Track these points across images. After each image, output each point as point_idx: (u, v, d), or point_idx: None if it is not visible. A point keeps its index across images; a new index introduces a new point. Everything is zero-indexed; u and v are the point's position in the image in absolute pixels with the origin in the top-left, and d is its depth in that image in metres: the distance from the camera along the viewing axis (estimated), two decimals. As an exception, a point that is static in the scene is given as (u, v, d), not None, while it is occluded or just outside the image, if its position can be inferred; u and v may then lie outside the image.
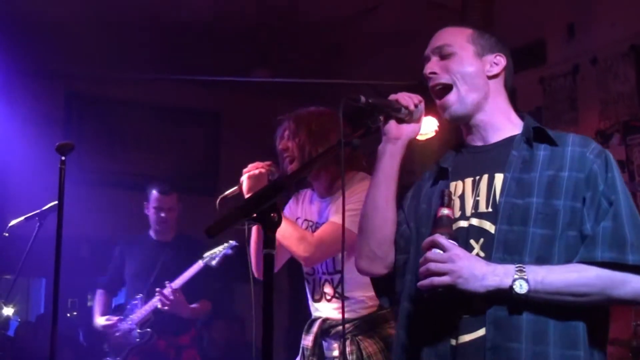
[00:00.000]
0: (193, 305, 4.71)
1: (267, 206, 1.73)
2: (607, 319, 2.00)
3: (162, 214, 4.94)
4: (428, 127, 2.54)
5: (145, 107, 7.41)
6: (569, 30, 5.31)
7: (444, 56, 2.12)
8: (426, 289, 1.91)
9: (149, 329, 4.69)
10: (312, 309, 3.27)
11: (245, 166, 3.27)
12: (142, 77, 6.77)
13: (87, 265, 6.96)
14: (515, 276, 1.86)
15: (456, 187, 2.09)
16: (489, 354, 1.88)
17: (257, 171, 3.19)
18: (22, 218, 4.00)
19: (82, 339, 7.35)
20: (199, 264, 4.54)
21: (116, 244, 5.22)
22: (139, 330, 4.72)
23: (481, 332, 1.91)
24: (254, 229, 3.18)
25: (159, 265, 4.77)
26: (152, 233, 5.00)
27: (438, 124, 2.51)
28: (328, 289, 3.19)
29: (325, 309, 3.19)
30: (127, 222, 6.79)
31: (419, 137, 2.28)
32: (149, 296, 4.71)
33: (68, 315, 7.81)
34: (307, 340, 3.19)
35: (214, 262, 4.50)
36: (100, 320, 4.91)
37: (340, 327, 3.09)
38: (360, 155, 3.19)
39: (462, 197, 2.06)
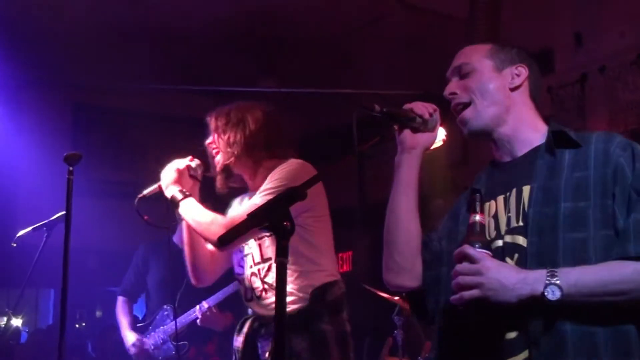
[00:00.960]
0: (228, 319, 4.70)
1: (279, 215, 1.72)
2: None
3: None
4: (437, 137, 2.55)
5: (152, 117, 7.43)
6: (576, 39, 5.31)
7: (463, 75, 2.12)
8: (457, 302, 1.86)
9: (185, 342, 4.67)
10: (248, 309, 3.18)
11: None
12: (149, 87, 6.79)
13: (95, 276, 6.97)
14: (547, 281, 1.79)
15: (489, 207, 2.05)
16: None
17: (175, 166, 3.19)
18: (29, 228, 4.00)
19: (90, 350, 7.36)
20: (235, 284, 4.34)
21: (137, 248, 5.18)
22: (173, 343, 4.66)
23: (524, 354, 1.84)
24: (184, 228, 3.12)
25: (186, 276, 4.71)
26: (176, 239, 4.81)
27: (446, 134, 2.51)
28: (256, 283, 3.06)
29: (256, 307, 3.08)
30: (135, 232, 6.80)
31: None
32: (179, 307, 4.62)
33: (77, 326, 7.83)
34: (238, 342, 3.11)
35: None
36: (130, 337, 4.81)
37: (271, 325, 2.94)
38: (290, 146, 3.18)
39: (495, 217, 2.02)
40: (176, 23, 6.17)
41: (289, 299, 2.93)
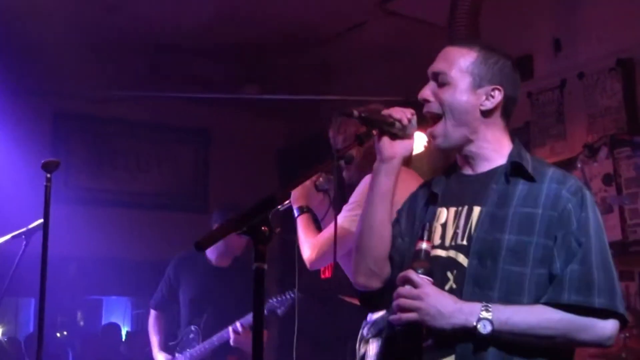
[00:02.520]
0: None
1: (257, 220, 1.72)
2: (571, 358, 2.04)
3: (229, 239, 4.60)
4: (417, 142, 2.56)
5: (133, 125, 7.40)
6: (555, 45, 5.33)
7: (440, 84, 2.12)
8: (396, 322, 1.98)
9: None
10: None
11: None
12: (130, 95, 6.75)
13: (76, 284, 6.93)
14: (481, 316, 1.90)
15: (440, 214, 2.11)
16: None
17: (301, 185, 3.23)
18: (8, 236, 3.96)
19: (70, 357, 7.30)
20: (270, 309, 4.34)
21: (116, 256, 5.13)
22: None
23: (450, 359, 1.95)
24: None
25: (216, 295, 4.62)
26: (209, 255, 4.78)
27: (427, 140, 2.51)
28: None
29: None
30: (116, 239, 6.78)
31: None
32: (204, 328, 4.58)
33: (58, 335, 7.77)
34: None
35: (279, 311, 4.32)
36: (160, 358, 4.76)
37: None
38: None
39: (444, 226, 2.09)
40: (158, 31, 6.15)
41: None
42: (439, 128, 2.10)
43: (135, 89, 6.65)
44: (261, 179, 7.02)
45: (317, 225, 3.28)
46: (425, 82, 2.19)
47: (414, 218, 2.19)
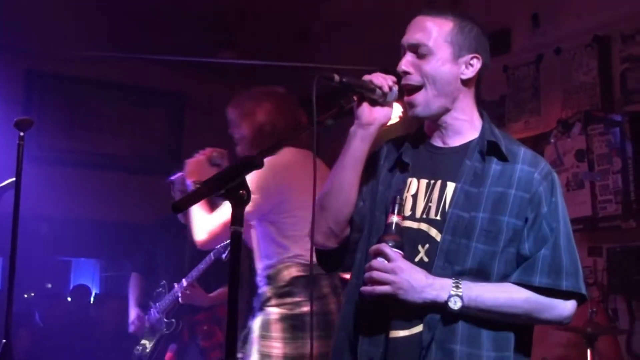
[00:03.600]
0: (212, 295, 4.69)
1: (235, 183, 1.72)
2: (532, 329, 2.15)
3: None
4: (393, 113, 2.57)
5: (107, 86, 7.33)
6: (533, 19, 5.34)
7: (420, 55, 2.12)
8: (368, 294, 2.01)
9: (173, 320, 4.70)
10: None
11: (207, 147, 3.43)
12: (105, 55, 6.68)
13: (46, 244, 6.91)
14: (452, 292, 1.97)
15: (411, 184, 2.13)
16: (425, 351, 1.99)
17: (196, 157, 3.42)
18: (-21, 194, 3.93)
19: (38, 319, 7.29)
20: (210, 257, 4.46)
21: (140, 225, 5.22)
22: (165, 320, 4.72)
23: (417, 329, 2.01)
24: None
25: (187, 252, 4.69)
26: (180, 217, 4.81)
27: (402, 110, 2.52)
28: None
29: None
30: (87, 201, 6.76)
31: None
32: (171, 282, 4.71)
33: (25, 295, 7.74)
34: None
35: (224, 256, 4.41)
36: (131, 314, 4.94)
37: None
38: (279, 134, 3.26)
39: (414, 197, 2.11)
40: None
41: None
42: (419, 97, 2.12)
43: (111, 50, 6.59)
44: (235, 145, 7.02)
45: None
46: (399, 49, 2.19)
47: (376, 182, 2.21)
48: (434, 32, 2.13)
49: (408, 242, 2.04)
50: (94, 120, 7.34)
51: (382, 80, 2.13)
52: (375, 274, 1.98)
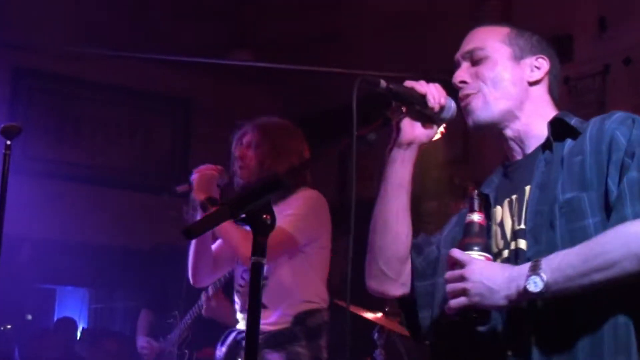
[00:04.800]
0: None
1: (259, 205, 1.72)
2: None
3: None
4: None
5: (104, 88, 7.39)
6: (599, 24, 5.34)
7: (475, 61, 2.15)
8: (449, 313, 1.94)
9: (186, 350, 4.82)
10: (238, 321, 3.63)
11: (217, 161, 3.56)
12: (102, 53, 6.75)
13: (27, 269, 6.93)
14: (529, 273, 1.84)
15: (496, 214, 2.13)
16: None
17: (209, 172, 3.52)
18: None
19: (17, 356, 7.32)
20: (194, 312, 4.68)
21: (137, 251, 5.34)
22: (177, 351, 4.85)
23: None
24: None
25: (190, 320, 4.82)
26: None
27: (445, 126, 2.54)
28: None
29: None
30: (76, 221, 6.79)
31: None
32: (184, 313, 4.81)
33: (1, 328, 7.78)
34: (221, 352, 3.54)
35: (204, 311, 4.56)
36: (140, 341, 5.13)
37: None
38: (306, 168, 3.49)
39: (501, 224, 2.10)
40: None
41: (276, 318, 3.42)
42: (476, 100, 2.12)
43: (109, 47, 6.65)
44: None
45: None
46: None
47: (461, 229, 2.17)
48: (489, 36, 2.17)
49: None
50: (87, 127, 7.39)
51: (437, 95, 2.14)
52: (449, 287, 1.93)
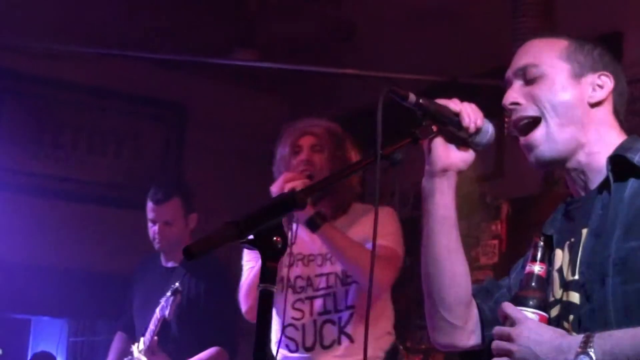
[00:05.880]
0: (197, 357, 4.76)
1: (269, 226, 1.73)
2: None
3: (156, 229, 4.94)
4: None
5: (88, 91, 7.39)
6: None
7: (529, 80, 2.14)
8: None
9: None
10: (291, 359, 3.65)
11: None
12: (86, 52, 6.78)
13: (-2, 297, 6.93)
14: (579, 349, 1.89)
15: (556, 258, 2.14)
16: None
17: (306, 180, 3.48)
18: None
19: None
20: (157, 315, 4.69)
21: (123, 275, 5.40)
22: None
23: None
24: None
25: (156, 324, 4.80)
26: (162, 257, 5.08)
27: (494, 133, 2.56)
28: (330, 332, 3.57)
29: (321, 358, 3.55)
30: (55, 242, 6.78)
31: None
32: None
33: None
34: None
35: (166, 312, 4.62)
36: None
37: None
38: (355, 180, 3.66)
39: (560, 271, 2.12)
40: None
41: (360, 354, 3.44)
42: (539, 133, 2.12)
43: (94, 46, 6.66)
44: (251, 172, 7.04)
45: None
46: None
47: None
48: (545, 50, 2.17)
49: (554, 323, 2.04)
50: (66, 135, 7.39)
51: (473, 112, 2.15)
52: (495, 344, 1.99)
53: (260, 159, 7.60)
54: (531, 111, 2.12)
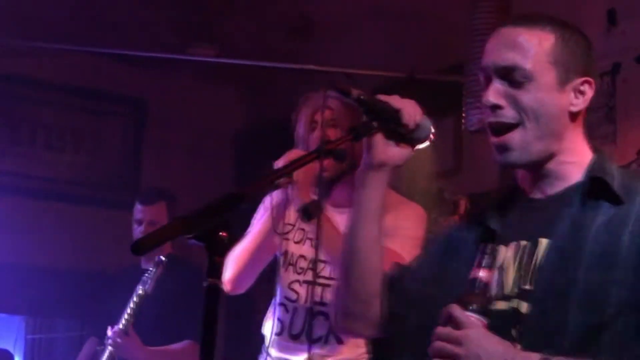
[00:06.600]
0: (152, 348, 4.82)
1: (214, 223, 1.75)
2: None
3: (141, 229, 5.13)
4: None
5: (44, 87, 7.35)
6: (608, 18, 5.38)
7: (514, 83, 2.06)
8: None
9: None
10: (275, 346, 3.50)
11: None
12: (42, 47, 6.73)
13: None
14: None
15: (498, 253, 2.10)
16: None
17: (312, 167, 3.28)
18: None
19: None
20: (138, 291, 4.75)
21: (82, 273, 5.39)
22: None
23: None
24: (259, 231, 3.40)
25: (135, 301, 4.85)
26: (142, 259, 5.15)
27: (434, 130, 2.55)
28: (321, 325, 3.40)
29: (304, 352, 3.37)
30: (11, 239, 6.74)
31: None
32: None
33: None
34: None
35: (147, 287, 4.72)
36: None
37: None
38: None
39: (501, 270, 2.08)
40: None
41: (348, 353, 3.38)
42: (516, 137, 2.04)
43: (51, 41, 6.62)
44: (211, 168, 7.04)
45: None
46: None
47: (452, 258, 2.20)
48: (533, 49, 2.07)
49: (501, 328, 1.98)
50: (25, 132, 7.35)
51: (413, 109, 2.15)
52: (440, 345, 1.94)
53: (220, 154, 7.63)
54: (511, 117, 2.04)
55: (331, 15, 6.50)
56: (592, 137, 5.66)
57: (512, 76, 2.05)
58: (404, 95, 2.19)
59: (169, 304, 4.87)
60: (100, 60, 7.07)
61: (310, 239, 3.48)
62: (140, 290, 4.75)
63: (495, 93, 2.06)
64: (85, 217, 6.93)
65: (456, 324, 1.94)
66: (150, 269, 4.78)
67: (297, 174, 3.14)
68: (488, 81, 2.09)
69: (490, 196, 2.29)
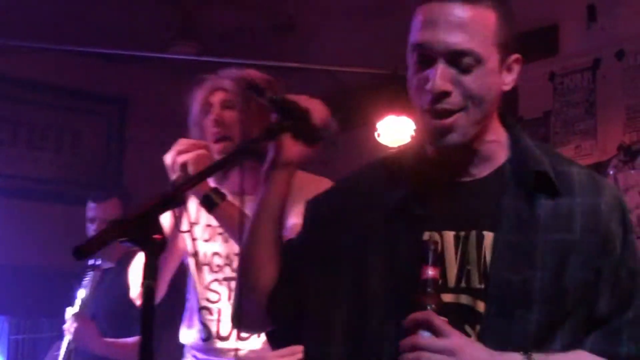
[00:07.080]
0: (107, 340, 4.83)
1: (147, 226, 1.80)
2: None
3: (94, 228, 5.10)
4: (404, 131, 2.60)
5: (23, 85, 7.33)
6: (589, 13, 5.39)
7: (462, 68, 1.95)
8: None
9: None
10: (202, 351, 3.37)
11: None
12: (21, 45, 6.71)
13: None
14: None
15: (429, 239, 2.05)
16: None
17: (200, 151, 3.16)
18: None
19: None
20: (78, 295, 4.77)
21: (63, 272, 5.38)
22: None
23: None
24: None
25: (87, 300, 4.86)
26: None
27: (415, 128, 2.55)
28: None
29: (224, 350, 3.30)
30: (16, 243, 6.72)
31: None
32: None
33: None
34: None
35: (87, 290, 4.77)
36: None
37: None
38: None
39: (440, 259, 2.04)
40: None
41: (256, 342, 3.23)
42: (460, 120, 1.96)
43: (29, 39, 6.60)
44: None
45: None
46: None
47: (362, 224, 2.14)
48: (481, 31, 1.96)
49: (451, 323, 1.94)
50: (5, 131, 7.33)
51: (320, 109, 2.16)
52: (429, 357, 1.87)
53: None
54: (457, 104, 1.95)
55: (314, 12, 6.50)
56: (573, 132, 5.72)
57: (460, 61, 1.94)
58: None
59: (124, 299, 4.83)
60: (82, 58, 7.05)
61: (221, 234, 3.31)
62: (81, 294, 4.77)
63: (443, 80, 1.94)
64: (67, 216, 6.89)
65: (434, 331, 1.88)
66: (88, 272, 4.77)
67: (190, 167, 3.09)
68: (427, 61, 1.97)
69: (391, 157, 2.24)
